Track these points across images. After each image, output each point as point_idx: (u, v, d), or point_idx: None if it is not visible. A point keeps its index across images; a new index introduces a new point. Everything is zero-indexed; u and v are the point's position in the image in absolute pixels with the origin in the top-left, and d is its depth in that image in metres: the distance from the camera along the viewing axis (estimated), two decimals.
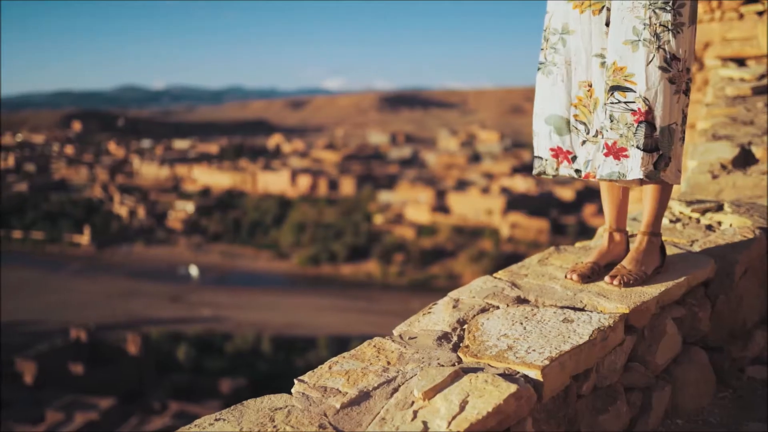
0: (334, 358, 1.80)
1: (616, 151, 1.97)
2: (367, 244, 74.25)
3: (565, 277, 2.09)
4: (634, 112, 1.94)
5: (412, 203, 78.46)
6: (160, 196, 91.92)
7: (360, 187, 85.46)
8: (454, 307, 1.98)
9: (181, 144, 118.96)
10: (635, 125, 1.95)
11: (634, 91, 1.94)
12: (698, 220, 2.58)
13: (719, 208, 2.64)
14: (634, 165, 1.96)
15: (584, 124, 2.09)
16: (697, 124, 3.94)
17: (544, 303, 1.94)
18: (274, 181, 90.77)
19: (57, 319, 54.84)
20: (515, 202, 73.26)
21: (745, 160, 3.27)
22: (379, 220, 78.30)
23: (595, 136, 2.07)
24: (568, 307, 1.88)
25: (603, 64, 2.04)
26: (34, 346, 46.05)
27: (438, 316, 1.95)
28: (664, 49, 1.93)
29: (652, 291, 1.98)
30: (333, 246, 75.18)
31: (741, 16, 5.57)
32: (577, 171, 2.11)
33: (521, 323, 1.82)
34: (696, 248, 2.32)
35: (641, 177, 1.96)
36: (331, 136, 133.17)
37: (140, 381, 43.36)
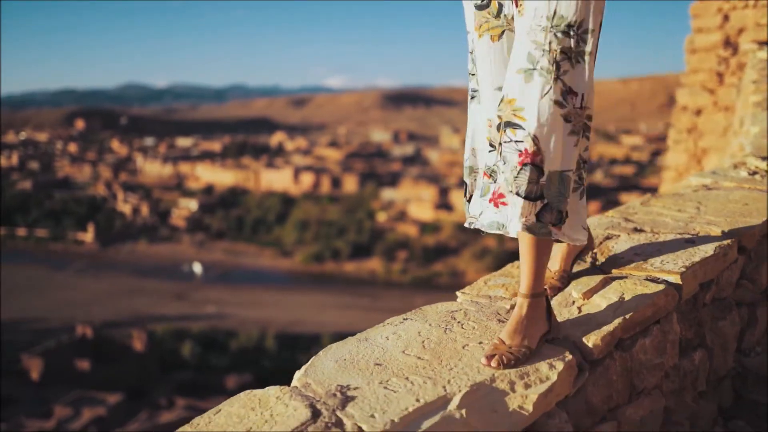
0: (486, 276, 2.09)
1: (496, 198, 1.69)
2: (370, 242, 74.50)
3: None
4: (520, 152, 1.63)
5: (415, 201, 78.69)
6: (164, 193, 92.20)
7: (363, 185, 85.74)
8: None
9: (184, 142, 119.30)
10: (519, 168, 1.64)
11: (524, 129, 1.63)
12: None
13: None
14: (513, 215, 1.66)
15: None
16: (749, 98, 4.24)
17: (660, 231, 2.23)
18: (277, 179, 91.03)
19: (62, 317, 55.03)
20: None
21: None
22: (382, 217, 78.56)
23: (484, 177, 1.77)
24: (684, 233, 2.17)
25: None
26: (40, 343, 46.22)
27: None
28: (563, 81, 1.63)
29: (756, 220, 2.27)
30: (336, 243, 75.45)
31: None
32: (469, 221, 1.82)
33: (649, 244, 2.12)
34: None
35: (520, 229, 1.65)
36: (333, 134, 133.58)
37: (146, 377, 43.58)
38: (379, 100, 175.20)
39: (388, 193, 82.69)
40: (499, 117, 1.68)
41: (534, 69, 1.63)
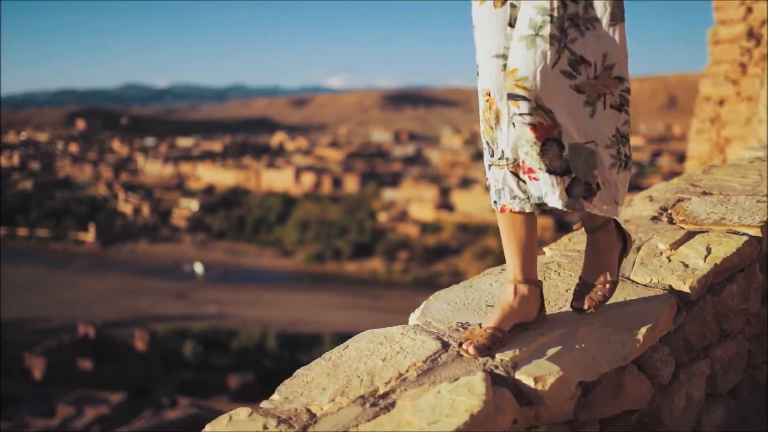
0: (569, 234, 2.22)
1: (527, 172, 1.64)
2: (371, 242, 74.59)
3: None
4: (532, 126, 1.57)
5: (417, 201, 78.81)
6: (165, 193, 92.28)
7: (364, 185, 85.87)
8: (650, 200, 2.41)
9: (184, 142, 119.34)
10: (539, 143, 1.58)
11: (528, 100, 1.55)
12: None
13: None
14: (547, 190, 1.63)
15: (488, 143, 1.71)
16: None
17: (729, 194, 2.37)
18: (278, 179, 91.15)
19: (64, 316, 55.06)
20: None
21: None
22: (383, 217, 78.68)
23: (501, 158, 1.68)
24: (753, 194, 2.31)
25: (505, 66, 1.62)
26: (41, 343, 46.24)
27: (639, 207, 2.38)
28: (570, 49, 1.54)
29: None
30: (337, 243, 75.53)
31: None
32: (495, 203, 1.74)
33: (721, 204, 2.26)
34: None
35: (559, 206, 1.64)
36: (334, 134, 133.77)
37: (148, 377, 43.63)
38: (379, 101, 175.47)
39: (389, 193, 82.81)
40: (505, 90, 1.61)
41: (536, 35, 1.54)
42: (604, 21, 1.58)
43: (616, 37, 1.60)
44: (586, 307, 1.67)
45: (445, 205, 76.88)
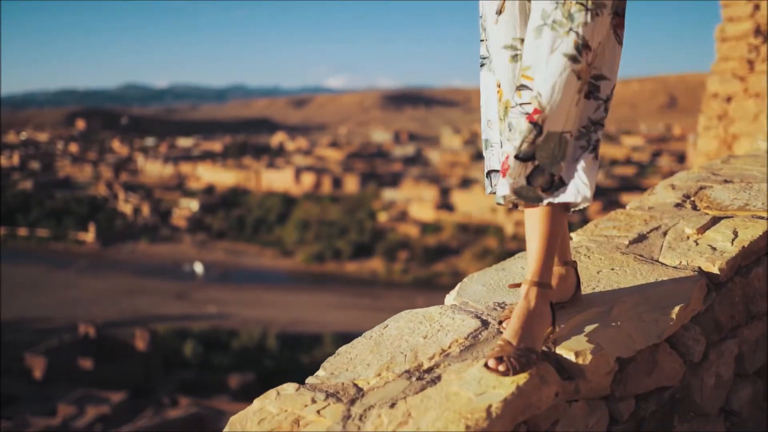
0: (594, 221, 2.27)
1: (504, 168, 1.55)
2: (371, 242, 74.68)
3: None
4: (527, 115, 1.51)
5: (417, 201, 78.86)
6: (165, 193, 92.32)
7: (364, 185, 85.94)
8: (672, 188, 2.46)
9: (184, 142, 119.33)
10: (526, 132, 1.52)
11: (531, 89, 1.51)
12: None
13: None
14: (506, 177, 1.54)
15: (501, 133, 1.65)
16: None
17: (751, 182, 2.42)
18: (278, 179, 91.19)
19: (64, 316, 55.12)
20: None
21: None
22: (383, 217, 78.74)
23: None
24: None
25: (514, 57, 1.61)
26: (42, 342, 46.26)
27: (662, 194, 2.43)
28: (577, 33, 1.48)
29: None
30: (337, 243, 75.60)
31: None
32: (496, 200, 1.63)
33: (744, 191, 2.31)
34: None
35: (507, 192, 1.53)
36: (334, 134, 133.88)
37: (149, 376, 43.66)
38: (379, 101, 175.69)
39: (389, 194, 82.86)
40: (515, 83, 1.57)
41: (545, 24, 1.50)
42: (608, 8, 1.53)
43: (608, 27, 1.56)
44: (503, 369, 1.43)
45: (445, 205, 76.94)
